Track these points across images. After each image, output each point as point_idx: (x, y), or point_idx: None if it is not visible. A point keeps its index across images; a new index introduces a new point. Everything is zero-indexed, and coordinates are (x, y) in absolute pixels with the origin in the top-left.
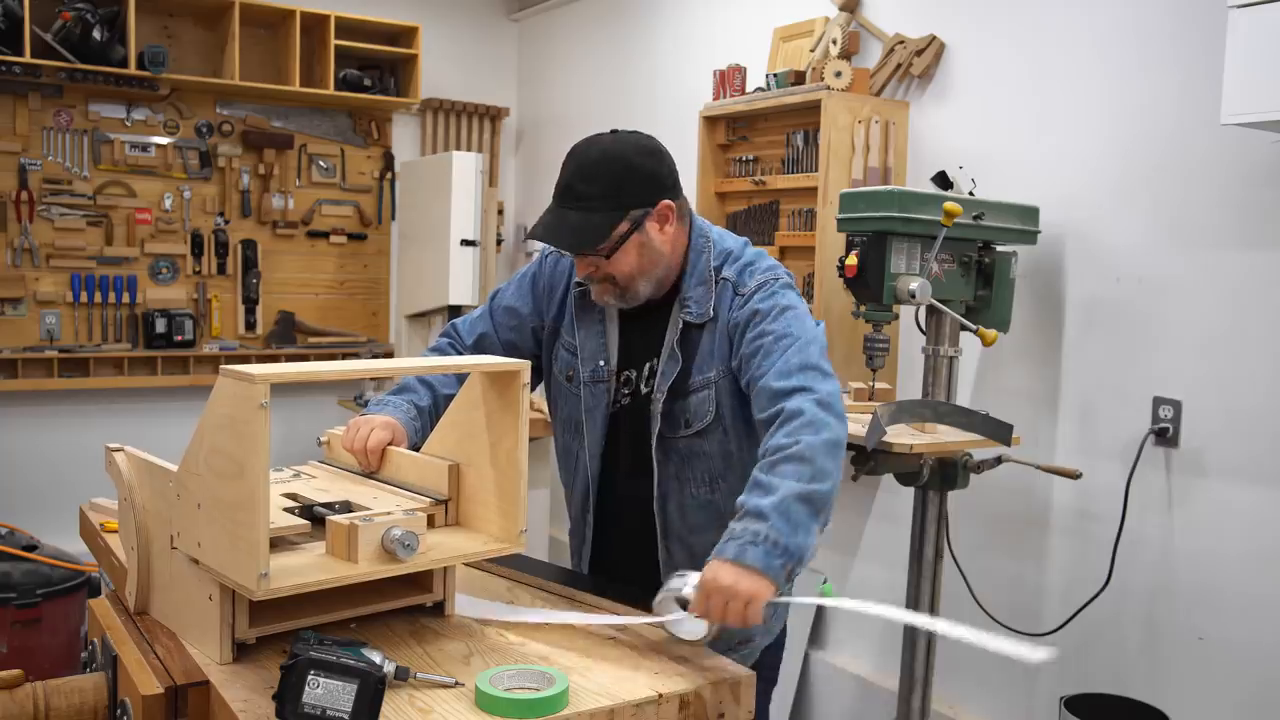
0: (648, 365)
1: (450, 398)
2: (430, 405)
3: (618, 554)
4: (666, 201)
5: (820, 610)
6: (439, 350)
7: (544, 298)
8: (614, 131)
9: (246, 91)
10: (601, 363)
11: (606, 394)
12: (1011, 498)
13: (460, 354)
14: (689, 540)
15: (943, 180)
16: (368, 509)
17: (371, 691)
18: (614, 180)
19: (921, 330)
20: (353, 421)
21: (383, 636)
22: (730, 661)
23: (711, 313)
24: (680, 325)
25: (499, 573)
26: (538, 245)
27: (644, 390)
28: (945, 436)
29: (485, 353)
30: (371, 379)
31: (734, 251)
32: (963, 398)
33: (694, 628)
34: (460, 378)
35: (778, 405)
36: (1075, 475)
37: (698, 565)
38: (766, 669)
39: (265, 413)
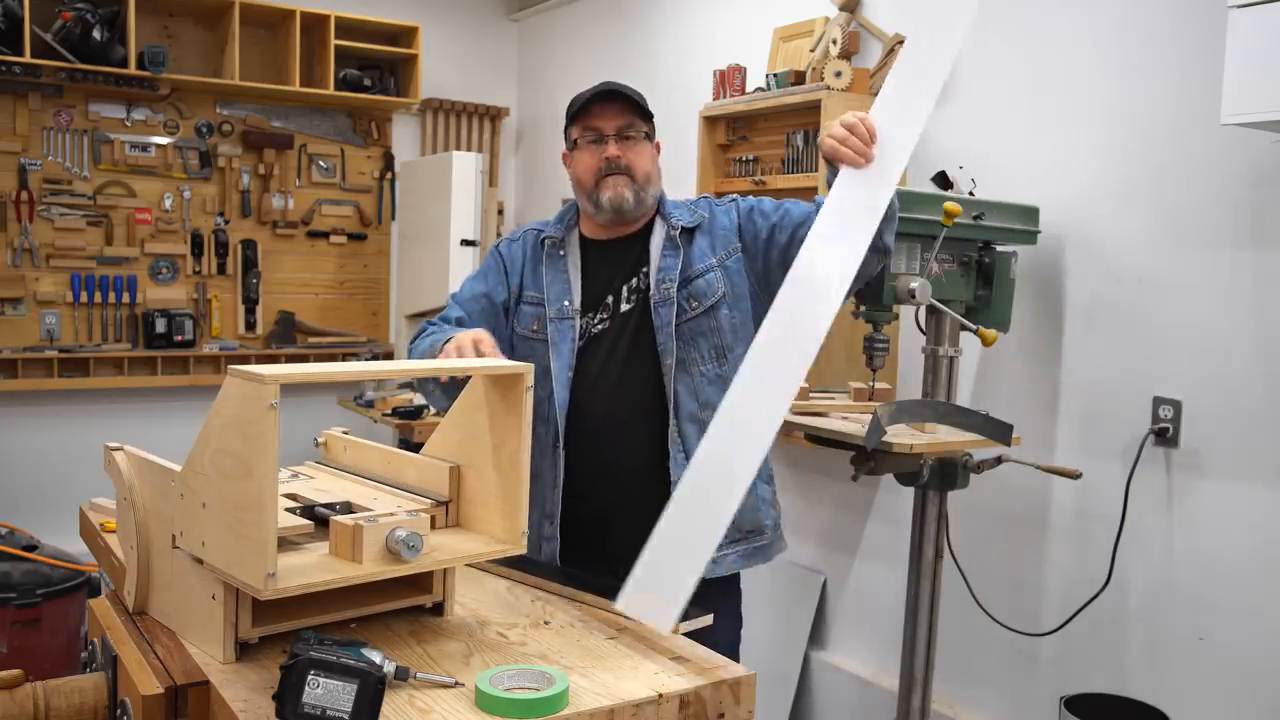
0: (624, 287)
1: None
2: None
3: (592, 482)
4: (658, 142)
5: (820, 610)
6: (427, 333)
7: (508, 273)
8: None
9: (246, 91)
10: (566, 302)
11: (572, 328)
12: (1011, 498)
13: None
14: (701, 417)
15: (943, 180)
16: (369, 510)
17: (371, 691)
18: (641, 95)
19: (921, 330)
20: (449, 345)
21: (383, 636)
22: (730, 661)
23: (702, 219)
24: (678, 229)
25: (500, 573)
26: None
27: (625, 307)
28: (945, 436)
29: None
30: (374, 380)
31: (705, 198)
32: (963, 398)
33: None
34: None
35: None
36: (1075, 475)
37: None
38: (731, 618)
39: (275, 413)
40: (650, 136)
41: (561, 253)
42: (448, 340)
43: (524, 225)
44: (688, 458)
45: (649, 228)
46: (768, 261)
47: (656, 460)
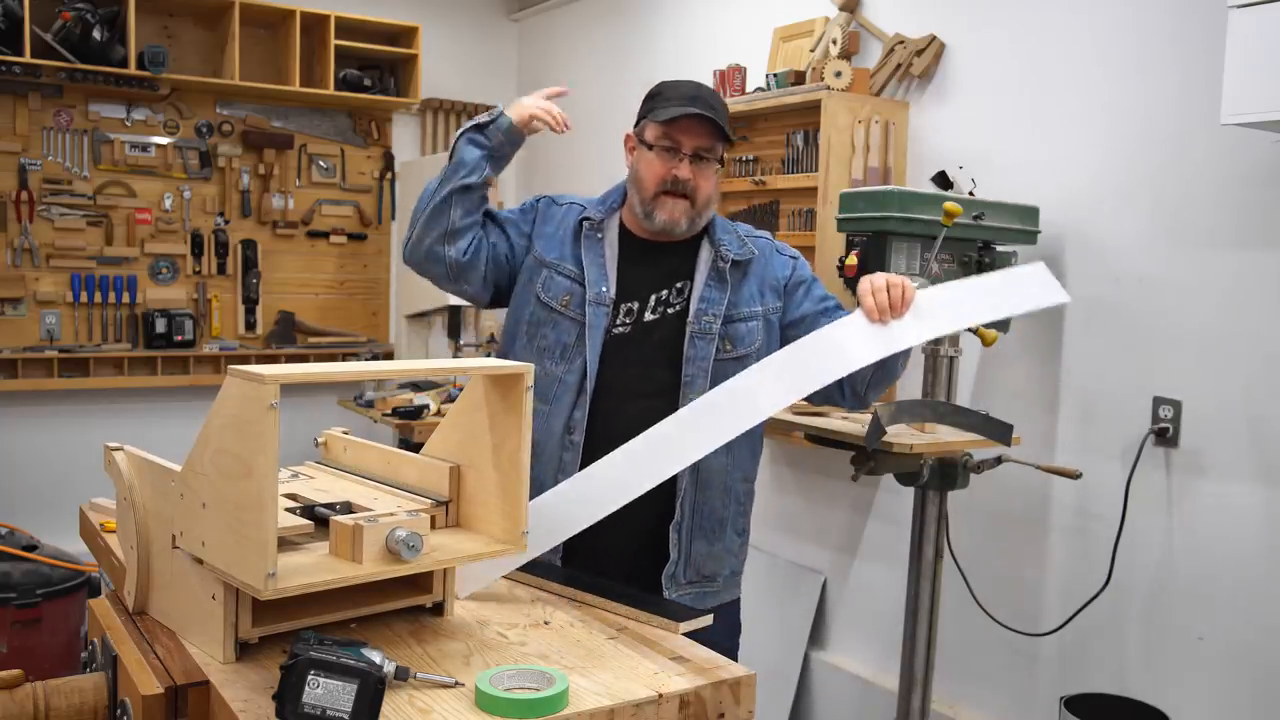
0: (654, 296)
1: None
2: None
3: None
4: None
5: (820, 610)
6: None
7: (536, 230)
8: None
9: (246, 91)
10: (604, 288)
11: (606, 317)
12: (1011, 498)
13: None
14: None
15: (943, 180)
16: (369, 509)
17: (371, 691)
18: (727, 112)
19: None
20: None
21: (383, 636)
22: (730, 661)
23: (753, 255)
24: (728, 261)
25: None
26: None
27: (650, 317)
28: (945, 436)
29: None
30: (374, 380)
31: (746, 226)
32: (963, 398)
33: None
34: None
35: None
36: (1075, 475)
37: (706, 486)
38: (730, 622)
39: (275, 413)
40: (722, 160)
41: (599, 235)
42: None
43: (569, 197)
44: (694, 470)
45: (695, 244)
46: (784, 339)
47: None
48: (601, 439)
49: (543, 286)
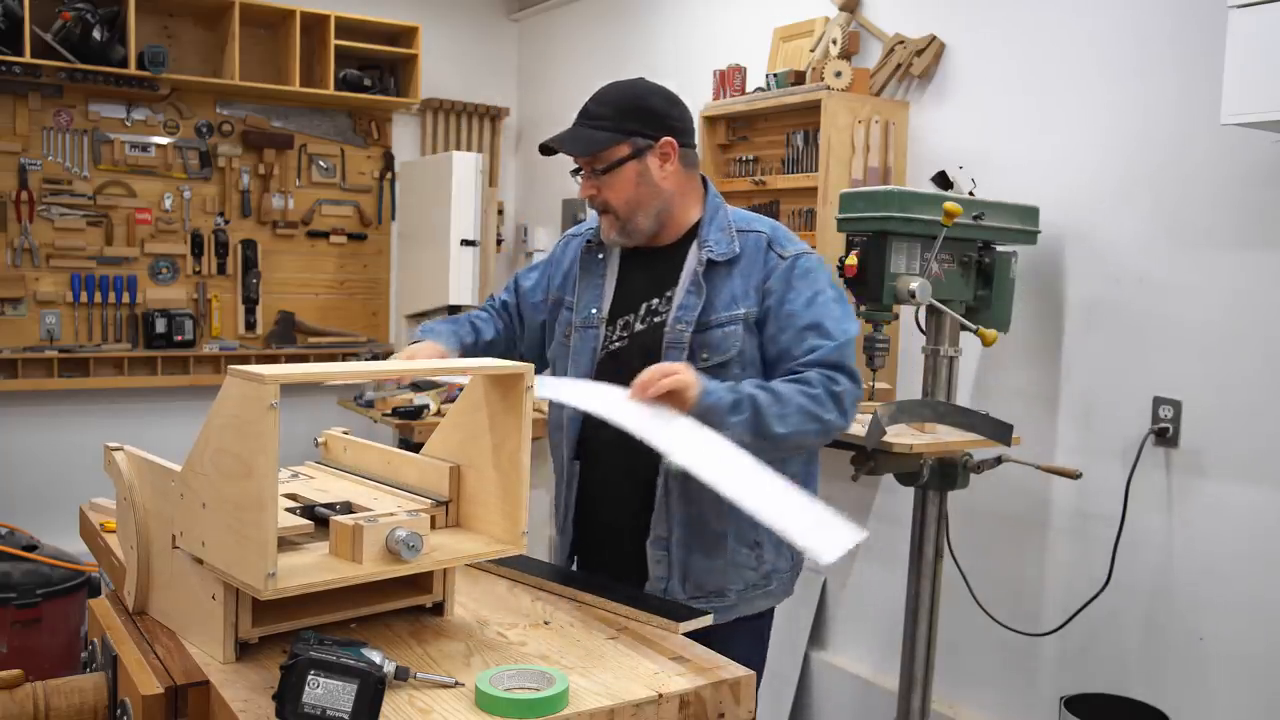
0: (644, 305)
1: (491, 342)
2: (473, 337)
3: (602, 499)
4: (669, 139)
5: (820, 610)
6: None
7: (554, 275)
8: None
9: (246, 91)
10: (594, 310)
11: (595, 339)
12: (1011, 498)
13: (499, 314)
14: (685, 475)
15: (943, 180)
16: (369, 510)
17: (371, 691)
18: (623, 106)
19: (921, 330)
20: (404, 352)
21: (383, 636)
22: (730, 661)
23: (737, 252)
24: (704, 262)
25: (500, 573)
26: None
27: (639, 328)
28: (945, 436)
29: (511, 313)
30: (374, 380)
31: (761, 219)
32: (963, 398)
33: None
34: (495, 322)
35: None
36: (1075, 475)
37: (693, 497)
38: (753, 633)
39: (275, 413)
40: (633, 156)
41: (600, 256)
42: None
43: (588, 223)
44: (682, 486)
45: (687, 242)
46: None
47: (651, 486)
48: (606, 456)
49: (558, 324)
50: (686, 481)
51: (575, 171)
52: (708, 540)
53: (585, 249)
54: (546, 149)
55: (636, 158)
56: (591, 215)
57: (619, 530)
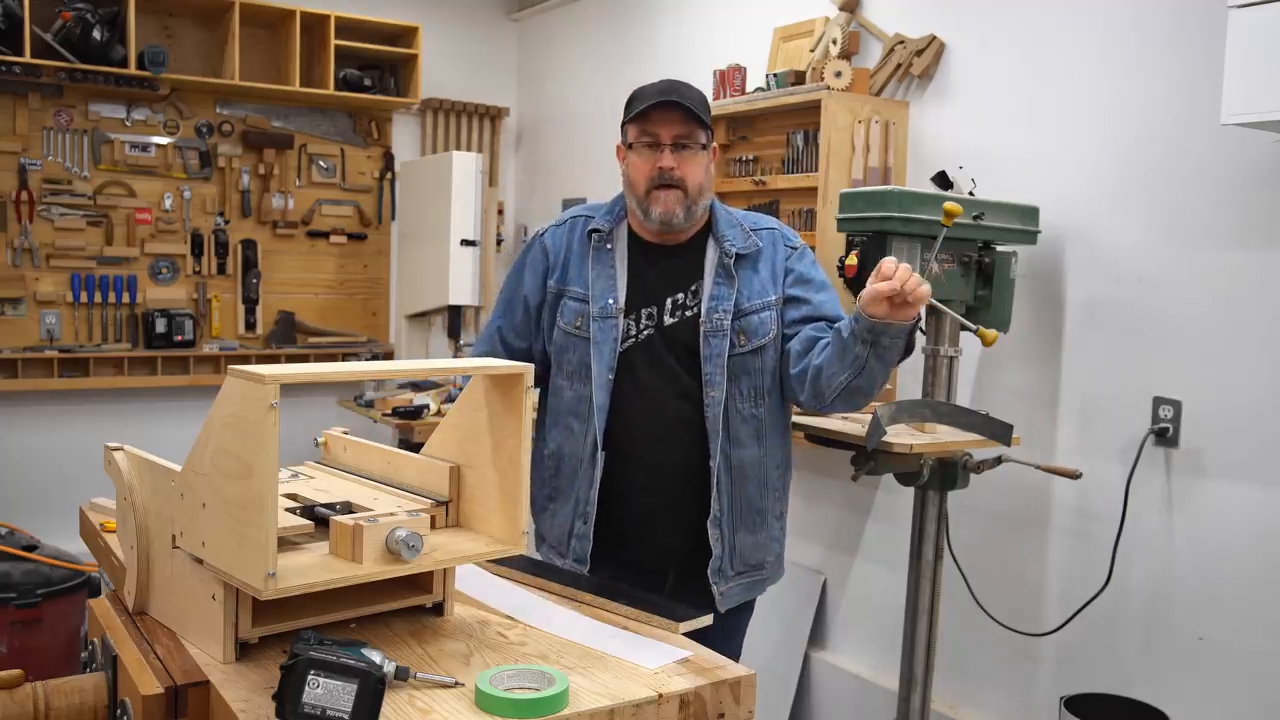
0: (669, 300)
1: None
2: None
3: (631, 486)
4: (715, 145)
5: (820, 610)
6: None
7: (543, 272)
8: None
9: (246, 91)
10: (610, 300)
11: (615, 329)
12: (1011, 498)
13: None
14: (730, 453)
15: (943, 180)
16: (369, 509)
17: (371, 691)
18: (702, 102)
19: (921, 330)
20: None
21: (383, 636)
22: (730, 661)
23: (759, 246)
24: (732, 256)
25: (499, 574)
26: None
27: (670, 321)
28: (945, 436)
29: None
30: (374, 380)
31: (767, 217)
32: (963, 398)
33: None
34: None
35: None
36: (1075, 475)
37: (736, 477)
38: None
39: (275, 413)
40: (707, 145)
41: (609, 246)
42: None
43: (570, 210)
44: (729, 465)
45: (701, 241)
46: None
47: (696, 468)
48: (639, 443)
49: (561, 314)
50: (730, 464)
51: (644, 144)
52: (750, 516)
53: (595, 240)
54: (667, 103)
55: (706, 149)
56: (566, 212)
57: (651, 518)
